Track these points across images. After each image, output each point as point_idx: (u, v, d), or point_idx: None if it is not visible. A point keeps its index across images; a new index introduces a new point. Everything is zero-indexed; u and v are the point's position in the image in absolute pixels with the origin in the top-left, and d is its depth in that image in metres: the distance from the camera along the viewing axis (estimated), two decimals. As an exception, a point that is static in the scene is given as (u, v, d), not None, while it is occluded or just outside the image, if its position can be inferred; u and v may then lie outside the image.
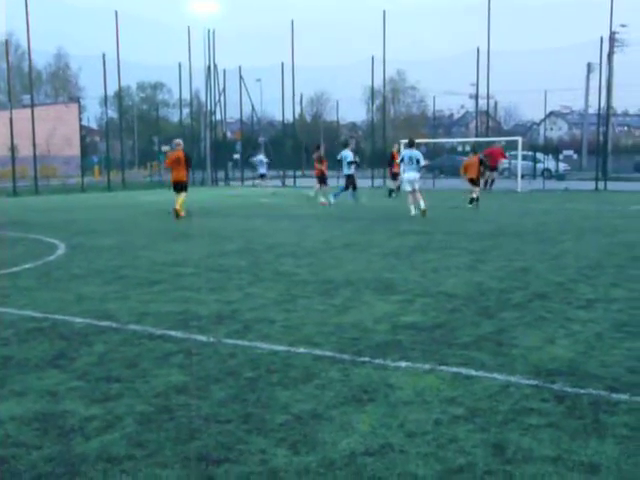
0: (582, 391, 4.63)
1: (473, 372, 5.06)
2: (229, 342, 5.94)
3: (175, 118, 72.11)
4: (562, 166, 45.28)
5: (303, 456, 3.69)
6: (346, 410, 4.34)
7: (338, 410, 4.34)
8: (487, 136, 39.95)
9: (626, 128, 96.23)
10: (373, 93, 42.94)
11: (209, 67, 40.67)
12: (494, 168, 30.41)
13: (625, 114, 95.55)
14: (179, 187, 18.54)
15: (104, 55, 36.36)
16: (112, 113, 65.54)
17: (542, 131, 64.98)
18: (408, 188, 18.52)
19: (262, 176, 33.22)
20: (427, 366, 5.20)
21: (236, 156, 48.44)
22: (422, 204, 17.86)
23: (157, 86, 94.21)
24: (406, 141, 21.37)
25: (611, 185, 32.99)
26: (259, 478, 3.44)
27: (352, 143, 26.94)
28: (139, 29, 44.84)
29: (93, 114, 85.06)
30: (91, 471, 3.51)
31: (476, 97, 38.51)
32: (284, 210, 21.52)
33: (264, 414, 4.28)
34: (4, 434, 3.98)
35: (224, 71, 42.02)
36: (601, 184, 32.79)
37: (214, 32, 40.84)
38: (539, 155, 43.02)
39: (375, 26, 38.59)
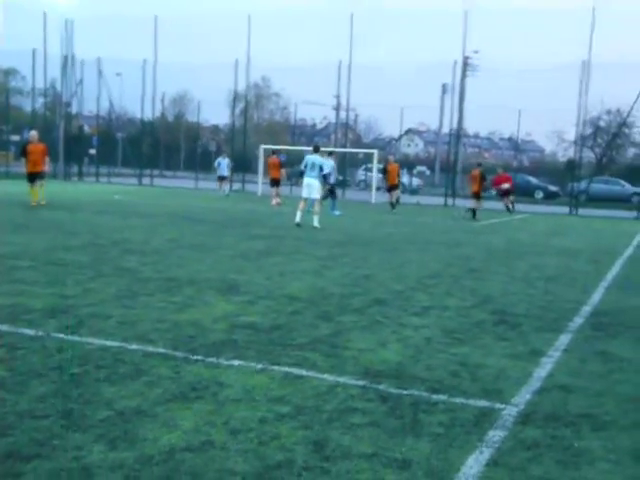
0: (405, 392, 4.80)
1: (304, 372, 5.12)
2: (58, 336, 5.71)
3: (29, 107, 68.89)
4: (415, 181, 46.94)
5: (120, 452, 3.60)
6: (172, 407, 4.28)
7: (163, 407, 4.27)
8: (346, 147, 40.80)
9: (477, 149, 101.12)
10: (236, 97, 42.84)
11: (66, 56, 39.09)
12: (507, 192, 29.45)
13: (476, 136, 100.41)
14: (35, 177, 19.02)
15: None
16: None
17: (400, 147, 67.22)
18: (304, 194, 17.59)
19: (222, 178, 32.16)
20: (260, 365, 5.22)
21: (92, 151, 46.84)
22: (315, 220, 17.14)
23: (10, 72, 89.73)
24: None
25: (459, 201, 34.48)
26: (70, 474, 3.32)
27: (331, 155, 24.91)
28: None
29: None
30: None
31: (337, 108, 39.24)
32: (136, 208, 21.01)
33: (85, 410, 4.14)
34: None
35: (82, 62, 40.51)
36: (450, 200, 34.24)
37: (72, 21, 39.31)
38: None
39: (241, 28, 38.51)
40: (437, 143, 62.79)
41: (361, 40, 39.77)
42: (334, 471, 3.52)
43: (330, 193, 23.15)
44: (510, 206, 29.06)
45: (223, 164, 32.34)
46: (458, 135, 42.84)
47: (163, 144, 60.30)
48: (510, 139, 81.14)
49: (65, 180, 39.79)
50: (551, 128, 56.56)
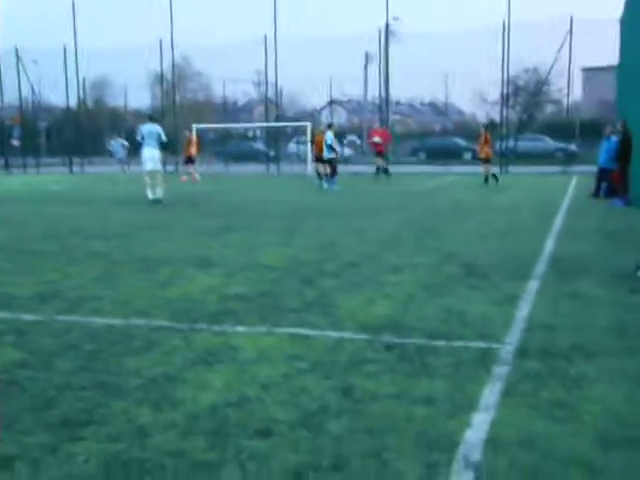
0: (407, 340, 5.14)
1: (308, 331, 5.41)
2: (60, 318, 5.85)
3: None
4: (347, 151, 47.36)
5: (166, 413, 3.83)
6: (197, 370, 4.52)
7: (190, 371, 4.51)
8: (271, 122, 40.97)
9: (399, 116, 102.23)
10: (162, 77, 42.34)
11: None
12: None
13: (398, 103, 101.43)
14: None
15: None
16: None
17: (323, 118, 67.29)
18: (149, 167, 16.98)
19: (121, 161, 32.37)
20: (264, 329, 5.49)
21: (15, 142, 45.66)
22: (159, 191, 17.05)
23: None
24: None
25: (392, 168, 35.07)
26: (129, 435, 3.54)
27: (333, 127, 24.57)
28: None
29: None
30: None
31: (266, 84, 39.20)
32: (77, 196, 20.78)
33: (117, 380, 4.35)
34: None
35: (-1, 51, 39.36)
36: (383, 168, 34.82)
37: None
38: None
39: (160, 9, 37.98)
40: (363, 112, 63.27)
41: (284, 14, 39.55)
42: (367, 412, 3.84)
43: (331, 168, 22.61)
44: (379, 168, 27.16)
45: (117, 146, 32.32)
46: (387, 102, 43.33)
47: (87, 130, 59.16)
48: (431, 104, 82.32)
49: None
50: (472, 90, 57.62)
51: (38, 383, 4.29)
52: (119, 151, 32.32)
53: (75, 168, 40.52)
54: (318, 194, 20.66)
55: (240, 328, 5.53)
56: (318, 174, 24.39)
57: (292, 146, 48.61)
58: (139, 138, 16.98)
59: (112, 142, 32.64)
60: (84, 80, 54.84)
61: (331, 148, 22.64)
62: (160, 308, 6.22)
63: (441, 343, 5.08)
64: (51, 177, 32.39)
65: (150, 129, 16.91)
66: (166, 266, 8.33)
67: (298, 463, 3.22)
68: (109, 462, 3.25)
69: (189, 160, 28.34)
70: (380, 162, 26.93)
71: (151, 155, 16.90)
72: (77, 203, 17.90)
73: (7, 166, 40.65)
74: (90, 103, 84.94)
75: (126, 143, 32.69)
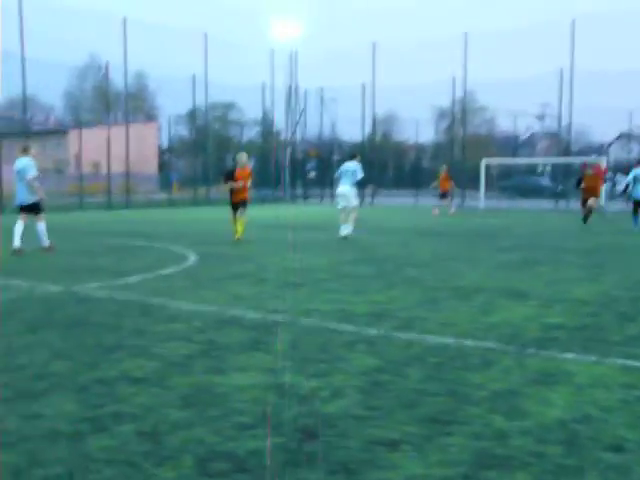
0: None
1: (638, 363, 5.57)
2: (399, 335, 6.57)
3: (245, 137, 73.26)
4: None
5: (519, 421, 4.28)
6: (538, 389, 4.92)
7: (530, 389, 4.92)
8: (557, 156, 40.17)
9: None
10: (453, 115, 43.39)
11: (290, 87, 41.76)
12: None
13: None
14: (241, 205, 16.20)
15: (194, 77, 37.85)
16: (184, 131, 67.89)
17: (612, 153, 64.24)
18: (341, 204, 17.06)
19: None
20: (593, 358, 5.74)
21: (312, 174, 49.40)
22: (348, 227, 16.69)
23: (229, 106, 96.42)
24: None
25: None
26: (490, 436, 4.04)
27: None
28: (210, 49, 45.84)
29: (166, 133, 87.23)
30: (343, 426, 4.17)
31: (559, 118, 38.58)
32: (378, 225, 22.17)
33: (465, 390, 4.89)
34: (252, 398, 4.67)
35: (305, 91, 43.13)
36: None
37: (297, 53, 41.92)
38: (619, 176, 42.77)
39: (453, 48, 39.11)
40: (660, 146, 59.43)
41: (582, 47, 38.78)
42: None
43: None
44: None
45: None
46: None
47: (374, 163, 62.21)
48: None
49: (292, 202, 42.30)
50: None
51: (398, 386, 4.97)
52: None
53: (367, 199, 42.87)
54: (621, 232, 20.00)
55: (569, 355, 5.83)
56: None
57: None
58: (336, 175, 17.53)
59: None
60: (374, 116, 57.76)
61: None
62: (485, 331, 6.71)
63: None
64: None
65: (348, 167, 16.94)
66: (480, 294, 8.82)
67: (656, 477, 3.50)
68: (479, 454, 3.77)
69: (444, 195, 29.95)
70: None
71: (342, 192, 16.94)
72: (382, 232, 19.15)
73: (305, 197, 44.07)
74: (378, 137, 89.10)
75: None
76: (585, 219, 21.14)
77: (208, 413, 4.36)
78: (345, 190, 16.88)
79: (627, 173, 23.11)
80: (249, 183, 16.24)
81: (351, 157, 17.54)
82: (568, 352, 5.92)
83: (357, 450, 3.83)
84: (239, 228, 15.98)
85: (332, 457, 3.72)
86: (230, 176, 16.11)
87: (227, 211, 16.97)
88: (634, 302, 8.31)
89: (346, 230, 16.54)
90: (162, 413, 4.36)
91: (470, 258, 12.96)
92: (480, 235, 18.66)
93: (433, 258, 12.93)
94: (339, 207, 17.14)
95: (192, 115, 52.01)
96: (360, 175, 16.81)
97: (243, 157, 16.40)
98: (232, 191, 16.06)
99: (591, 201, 20.93)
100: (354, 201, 16.93)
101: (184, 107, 54.02)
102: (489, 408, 4.52)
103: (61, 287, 9.25)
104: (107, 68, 37.11)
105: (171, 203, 38.91)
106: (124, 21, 35.99)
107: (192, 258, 12.54)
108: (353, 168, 16.85)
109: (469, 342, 6.29)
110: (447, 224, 23.23)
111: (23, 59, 30.83)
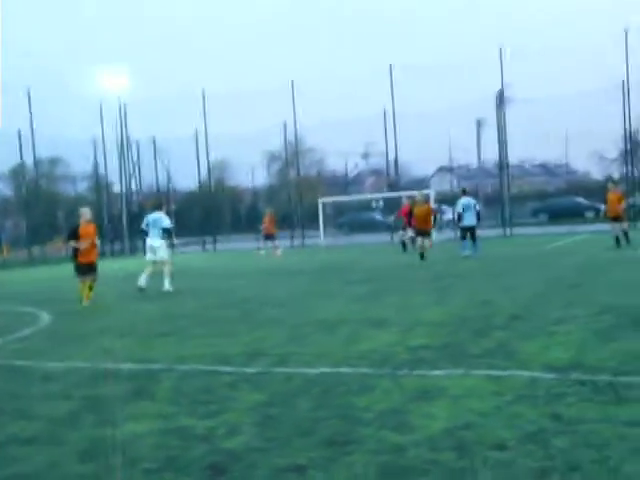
0: (596, 378, 5.75)
1: (501, 372, 6.12)
2: (278, 370, 6.78)
3: (72, 192, 70.80)
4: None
5: (409, 435, 4.62)
6: (419, 405, 5.29)
7: (412, 405, 5.29)
8: (385, 192, 42.31)
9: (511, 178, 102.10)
10: (287, 158, 44.52)
11: (121, 138, 41.21)
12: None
13: (507, 166, 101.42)
14: (92, 269, 14.31)
15: (19, 132, 36.48)
16: (7, 190, 64.70)
17: (432, 185, 68.14)
18: (150, 257, 15.96)
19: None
20: (460, 371, 6.23)
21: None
22: (166, 283, 15.52)
23: (54, 161, 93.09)
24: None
25: (516, 230, 35.38)
26: (387, 451, 4.35)
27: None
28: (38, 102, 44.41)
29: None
30: (248, 458, 4.32)
31: (386, 155, 40.53)
32: (227, 270, 22.28)
33: (353, 413, 5.17)
34: (152, 444, 4.71)
35: (137, 142, 42.71)
36: (507, 230, 35.19)
37: (125, 105, 41.48)
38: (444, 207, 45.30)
39: (283, 95, 40.24)
40: (477, 177, 63.63)
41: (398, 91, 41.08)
42: (581, 431, 4.49)
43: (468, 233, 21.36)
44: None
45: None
46: (501, 166, 43.78)
47: (208, 210, 62.44)
48: (542, 165, 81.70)
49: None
50: (587, 149, 57.25)
51: (290, 416, 5.19)
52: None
53: (208, 246, 42.80)
54: (456, 259, 21.28)
55: (438, 372, 6.29)
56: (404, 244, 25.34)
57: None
58: (143, 226, 16.08)
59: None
60: (208, 163, 57.98)
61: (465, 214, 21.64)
62: (357, 359, 7.07)
63: (630, 379, 5.66)
64: (194, 255, 34.40)
65: (154, 217, 15.85)
66: (343, 326, 9.21)
67: (539, 467, 3.93)
68: (383, 467, 4.05)
69: (268, 237, 30.73)
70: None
71: (152, 245, 15.81)
72: (232, 277, 19.31)
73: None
74: (213, 183, 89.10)
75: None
76: (422, 256, 20.65)
77: (111, 463, 4.37)
78: (155, 243, 15.71)
79: (452, 204, 24.30)
80: (96, 240, 14.48)
81: (156, 208, 16.40)
82: (437, 369, 6.38)
83: (268, 479, 4.00)
84: (87, 292, 13.96)
85: (247, 488, 3.87)
86: (74, 234, 14.07)
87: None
88: (483, 319, 9.01)
89: (166, 284, 15.47)
90: (66, 468, 4.32)
91: (325, 293, 13.42)
92: (328, 270, 19.28)
93: (290, 296, 13.27)
94: (148, 259, 15.91)
95: (17, 172, 50.04)
96: (167, 225, 15.76)
97: (87, 213, 14.48)
98: (77, 252, 14.04)
99: (426, 243, 20.83)
100: (164, 254, 15.74)
101: (6, 164, 51.86)
102: (379, 426, 4.83)
103: None
104: None
105: (3, 265, 36.92)
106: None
107: (46, 317, 12.12)
108: (159, 218, 15.78)
109: (346, 369, 6.62)
110: (295, 263, 23.74)
111: None
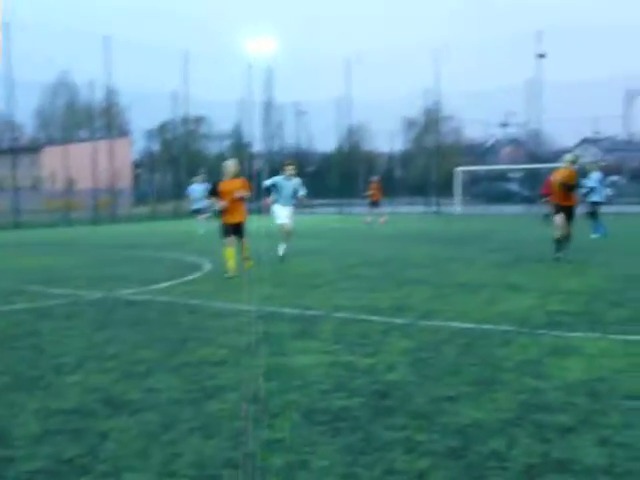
0: None
1: (638, 337, 6.57)
2: (423, 323, 7.50)
3: (214, 151, 73.66)
4: (608, 191, 46.46)
5: (547, 382, 5.23)
6: (554, 359, 5.87)
7: (548, 359, 5.88)
8: (522, 163, 41.64)
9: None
10: (425, 124, 44.59)
11: (267, 101, 42.76)
12: None
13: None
14: (237, 231, 12.27)
15: (175, 92, 38.69)
16: (156, 146, 68.45)
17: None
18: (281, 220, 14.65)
19: (197, 211, 26.42)
20: (597, 335, 6.73)
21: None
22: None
23: (199, 120, 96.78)
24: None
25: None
26: (527, 393, 4.99)
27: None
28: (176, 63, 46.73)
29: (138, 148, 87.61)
30: (407, 389, 5.08)
31: (525, 125, 40.00)
32: (376, 233, 23.13)
33: (494, 361, 5.82)
34: (322, 372, 5.56)
35: (281, 105, 44.24)
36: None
37: (272, 70, 42.95)
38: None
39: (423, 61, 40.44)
40: (624, 150, 61.33)
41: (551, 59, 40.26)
42: None
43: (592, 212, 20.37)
44: None
45: (196, 191, 26.12)
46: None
47: (344, 173, 63.56)
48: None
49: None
50: None
51: (439, 360, 5.91)
52: (199, 200, 25.91)
53: (344, 209, 43.89)
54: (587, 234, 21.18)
55: (575, 334, 6.81)
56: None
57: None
58: (270, 186, 14.65)
59: (192, 187, 27.12)
60: (348, 127, 59.01)
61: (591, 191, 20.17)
62: (498, 318, 7.68)
63: None
64: (335, 217, 35.61)
65: (286, 182, 14.45)
66: (483, 289, 9.80)
67: (666, 414, 4.47)
68: (524, 403, 4.70)
69: (374, 204, 30.78)
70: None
71: (280, 210, 14.59)
72: (369, 239, 20.14)
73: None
74: (352, 147, 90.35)
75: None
76: (558, 245, 18.15)
77: (292, 383, 5.25)
78: (284, 210, 14.55)
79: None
80: (245, 193, 12.04)
81: (287, 172, 14.46)
82: (574, 332, 6.91)
83: (424, 404, 4.74)
84: (232, 261, 11.90)
85: (407, 409, 4.63)
86: (214, 191, 12.27)
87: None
88: (620, 292, 9.36)
89: (281, 250, 14.38)
90: (253, 384, 5.23)
91: (464, 258, 13.98)
92: (466, 238, 19.74)
93: (430, 259, 13.95)
94: (279, 223, 14.71)
95: (164, 129, 52.96)
96: (302, 192, 14.69)
97: (231, 166, 12.33)
98: (222, 210, 12.14)
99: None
100: (291, 220, 14.72)
101: (157, 123, 55.00)
102: (520, 373, 5.46)
103: (102, 293, 10.04)
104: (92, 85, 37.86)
105: (152, 216, 39.53)
106: (104, 39, 36.77)
107: (207, 266, 13.37)
108: (291, 183, 14.45)
109: (487, 326, 7.25)
110: (439, 230, 24.29)
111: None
